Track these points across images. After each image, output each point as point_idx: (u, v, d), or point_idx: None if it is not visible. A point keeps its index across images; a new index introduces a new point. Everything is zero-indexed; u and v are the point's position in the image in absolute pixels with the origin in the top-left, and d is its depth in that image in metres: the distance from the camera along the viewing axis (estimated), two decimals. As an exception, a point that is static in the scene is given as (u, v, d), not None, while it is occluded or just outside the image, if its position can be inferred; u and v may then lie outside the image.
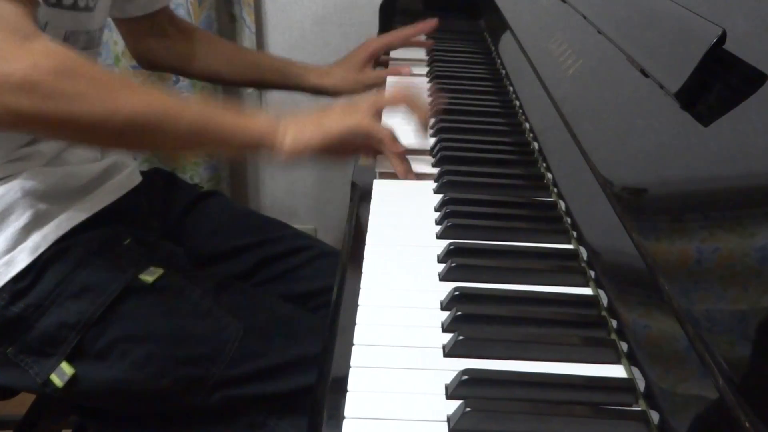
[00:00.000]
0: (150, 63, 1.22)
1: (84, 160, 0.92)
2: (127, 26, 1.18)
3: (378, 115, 0.87)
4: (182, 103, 0.79)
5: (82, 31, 0.90)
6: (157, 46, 1.19)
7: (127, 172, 0.96)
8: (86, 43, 0.92)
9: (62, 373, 0.82)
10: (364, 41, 1.27)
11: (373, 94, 0.90)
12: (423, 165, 0.85)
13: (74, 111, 0.72)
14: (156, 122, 0.76)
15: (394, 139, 0.83)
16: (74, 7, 0.86)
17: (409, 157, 0.84)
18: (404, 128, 0.87)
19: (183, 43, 1.19)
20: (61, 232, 0.84)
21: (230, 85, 1.57)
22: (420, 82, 1.18)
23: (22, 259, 0.82)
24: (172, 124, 0.77)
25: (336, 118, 0.81)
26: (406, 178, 0.83)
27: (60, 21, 0.85)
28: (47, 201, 0.85)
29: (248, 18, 1.74)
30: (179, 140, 0.79)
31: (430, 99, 1.02)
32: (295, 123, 0.81)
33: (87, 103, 0.72)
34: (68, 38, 0.88)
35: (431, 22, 1.29)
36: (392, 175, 0.83)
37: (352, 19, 1.80)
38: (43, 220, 0.84)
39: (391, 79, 1.18)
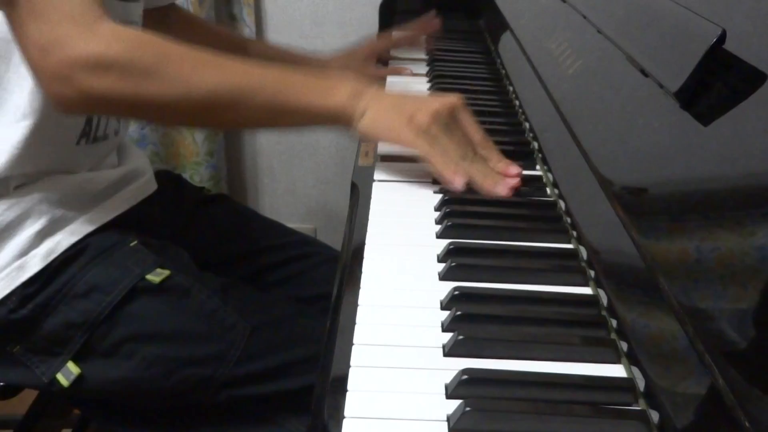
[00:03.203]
0: None
1: (102, 167, 0.92)
2: None
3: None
4: (260, 77, 0.77)
5: (128, 21, 0.89)
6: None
7: (144, 180, 0.96)
8: None
9: (68, 372, 0.82)
10: (368, 37, 1.27)
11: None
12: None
13: (149, 90, 0.72)
14: (231, 101, 0.76)
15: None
16: None
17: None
18: None
19: (183, 32, 1.18)
20: (74, 239, 0.84)
21: None
22: (419, 82, 1.18)
23: (35, 264, 0.82)
24: (248, 102, 0.76)
25: (412, 132, 0.76)
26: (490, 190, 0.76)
27: (114, 12, 0.85)
28: (63, 207, 0.84)
29: (248, 18, 1.75)
30: (255, 118, 0.79)
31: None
32: (376, 105, 0.78)
33: (161, 82, 0.72)
34: None
35: (434, 23, 1.28)
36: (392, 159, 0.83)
37: (352, 19, 1.80)
38: (58, 226, 0.84)
39: (391, 79, 1.18)
